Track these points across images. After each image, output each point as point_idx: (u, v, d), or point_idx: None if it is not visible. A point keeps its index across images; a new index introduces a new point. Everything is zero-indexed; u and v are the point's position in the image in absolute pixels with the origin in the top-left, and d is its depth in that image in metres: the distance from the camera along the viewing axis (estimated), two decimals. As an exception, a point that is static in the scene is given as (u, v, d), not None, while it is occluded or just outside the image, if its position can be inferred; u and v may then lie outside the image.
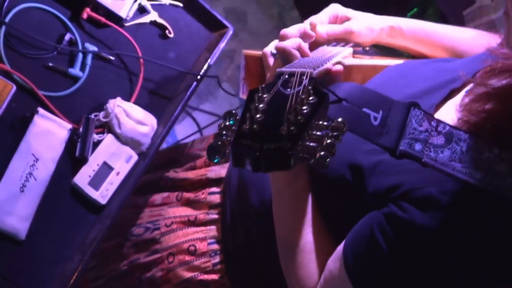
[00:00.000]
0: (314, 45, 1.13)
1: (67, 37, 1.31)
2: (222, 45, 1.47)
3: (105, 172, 1.29)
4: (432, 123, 0.81)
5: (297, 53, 0.99)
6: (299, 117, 0.66)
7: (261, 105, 0.69)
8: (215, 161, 0.67)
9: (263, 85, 0.75)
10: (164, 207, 1.30)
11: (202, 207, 1.25)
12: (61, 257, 1.24)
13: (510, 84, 0.78)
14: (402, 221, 0.82)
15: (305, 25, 1.08)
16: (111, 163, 1.29)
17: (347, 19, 1.17)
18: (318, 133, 0.66)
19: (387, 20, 1.18)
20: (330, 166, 0.92)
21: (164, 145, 2.40)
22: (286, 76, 0.81)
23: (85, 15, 1.33)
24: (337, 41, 1.17)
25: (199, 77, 1.41)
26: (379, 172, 0.88)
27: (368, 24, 1.15)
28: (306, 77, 0.80)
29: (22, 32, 1.25)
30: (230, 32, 1.50)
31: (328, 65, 0.97)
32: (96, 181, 1.27)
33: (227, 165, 1.30)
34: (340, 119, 0.68)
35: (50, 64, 1.28)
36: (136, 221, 1.33)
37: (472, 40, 1.17)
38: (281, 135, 0.63)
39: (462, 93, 0.90)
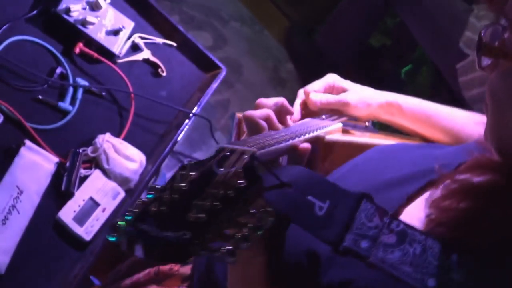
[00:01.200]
0: (308, 114, 1.11)
1: (58, 70, 1.30)
2: (215, 85, 1.47)
3: (91, 208, 1.26)
4: (385, 219, 0.73)
5: (263, 124, 0.95)
6: (215, 203, 0.59)
7: (182, 184, 0.60)
8: (111, 239, 0.57)
9: (193, 162, 0.66)
10: (148, 286, 1.25)
11: (176, 281, 1.21)
12: (41, 294, 1.19)
13: (481, 181, 0.74)
14: None
15: (282, 100, 1.03)
16: (98, 199, 1.27)
17: (344, 90, 1.14)
18: (239, 220, 0.60)
19: (385, 95, 1.14)
20: (287, 251, 0.86)
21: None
22: (227, 153, 0.73)
23: (77, 50, 1.33)
24: (332, 113, 1.13)
25: (191, 115, 1.39)
26: (337, 263, 0.82)
27: (365, 98, 1.12)
28: (247, 156, 0.73)
29: (13, 64, 1.25)
30: (223, 73, 1.50)
31: (296, 141, 0.92)
32: (81, 217, 1.24)
33: None
34: (269, 209, 0.62)
35: (40, 97, 1.27)
36: None
37: (475, 126, 1.12)
38: (186, 223, 0.56)
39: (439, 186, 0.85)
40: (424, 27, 2.48)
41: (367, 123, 1.17)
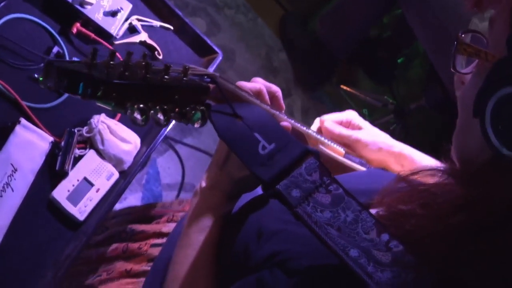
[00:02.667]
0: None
1: (55, 50, 1.30)
2: (211, 69, 1.46)
3: (85, 188, 1.26)
4: (324, 178, 0.74)
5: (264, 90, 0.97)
6: (148, 75, 0.67)
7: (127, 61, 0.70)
8: (37, 76, 0.67)
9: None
10: (114, 262, 1.25)
11: (142, 260, 1.21)
12: (34, 273, 1.19)
13: (431, 184, 0.74)
14: (267, 286, 0.76)
15: (278, 90, 1.02)
16: (92, 179, 1.27)
17: (359, 128, 1.14)
18: (168, 106, 0.66)
19: (401, 146, 1.13)
20: (241, 233, 0.87)
21: (145, 177, 2.38)
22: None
23: (74, 30, 1.32)
24: (344, 147, 1.12)
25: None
26: (276, 239, 0.81)
27: (377, 141, 1.12)
28: (209, 77, 0.81)
29: (10, 42, 1.24)
30: (220, 58, 1.50)
31: (283, 116, 0.94)
32: (75, 197, 1.24)
33: None
34: (203, 108, 0.70)
35: (36, 76, 1.27)
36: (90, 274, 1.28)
37: None
38: (107, 72, 0.65)
39: None
40: (427, 24, 2.47)
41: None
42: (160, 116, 0.66)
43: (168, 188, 2.43)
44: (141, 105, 0.63)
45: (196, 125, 0.78)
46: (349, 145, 1.12)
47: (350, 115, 1.15)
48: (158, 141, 1.36)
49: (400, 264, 0.67)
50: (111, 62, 0.69)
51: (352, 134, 1.11)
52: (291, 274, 0.74)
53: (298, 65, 2.97)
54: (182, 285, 0.90)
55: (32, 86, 1.26)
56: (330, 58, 2.95)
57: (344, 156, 1.09)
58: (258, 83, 0.99)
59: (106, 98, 0.64)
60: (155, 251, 1.18)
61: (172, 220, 1.27)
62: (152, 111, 0.66)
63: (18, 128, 1.20)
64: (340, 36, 2.86)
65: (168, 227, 1.23)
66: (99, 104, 0.67)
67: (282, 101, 1.03)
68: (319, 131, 1.13)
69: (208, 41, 1.50)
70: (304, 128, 1.02)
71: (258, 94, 0.97)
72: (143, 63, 0.70)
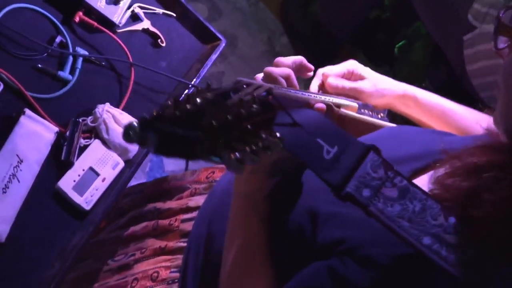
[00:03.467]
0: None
1: (58, 39, 1.29)
2: (214, 56, 1.46)
3: (91, 178, 1.26)
4: (389, 173, 0.76)
5: (283, 81, 0.97)
6: (228, 116, 0.61)
7: (198, 99, 0.63)
8: (126, 138, 0.59)
9: (212, 86, 0.69)
10: (146, 239, 1.26)
11: (175, 236, 1.21)
12: (41, 263, 1.19)
13: (485, 160, 0.75)
14: (341, 276, 0.78)
15: (301, 58, 1.05)
16: (97, 169, 1.27)
17: (362, 78, 1.15)
18: (250, 139, 0.62)
19: (404, 87, 1.16)
20: (292, 211, 0.88)
21: (141, 180, 2.37)
22: (244, 86, 0.76)
23: (77, 19, 1.31)
24: (347, 97, 1.14)
25: (190, 86, 1.39)
26: (334, 223, 0.83)
27: (381, 88, 1.14)
28: (263, 90, 0.76)
29: (13, 32, 1.24)
30: (223, 45, 1.49)
31: (310, 98, 0.94)
32: (81, 186, 1.24)
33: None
34: (278, 135, 0.64)
35: (40, 66, 1.26)
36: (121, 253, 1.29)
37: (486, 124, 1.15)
38: (198, 126, 0.59)
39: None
40: (431, 1, 2.45)
41: (382, 114, 1.17)
42: (252, 157, 0.62)
43: (172, 175, 2.43)
44: (237, 154, 0.61)
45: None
46: (354, 96, 1.13)
47: (351, 65, 1.16)
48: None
49: (471, 244, 0.70)
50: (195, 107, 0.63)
51: (357, 87, 1.12)
52: (364, 264, 0.76)
53: (300, 49, 2.96)
54: (241, 269, 0.92)
55: (36, 76, 1.26)
56: (331, 41, 2.93)
57: (358, 110, 1.11)
58: (285, 67, 1.00)
59: (207, 153, 0.62)
60: (187, 226, 1.19)
61: (195, 193, 1.28)
62: (245, 156, 0.62)
63: (23, 119, 1.20)
64: (341, 18, 2.85)
65: (195, 201, 1.24)
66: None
67: (308, 64, 1.06)
68: (322, 86, 1.14)
69: (211, 28, 1.49)
70: (328, 99, 1.03)
71: (287, 78, 0.98)
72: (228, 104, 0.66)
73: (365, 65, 1.18)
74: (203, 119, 0.59)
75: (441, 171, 0.80)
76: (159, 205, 1.31)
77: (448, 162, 0.81)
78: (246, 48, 2.84)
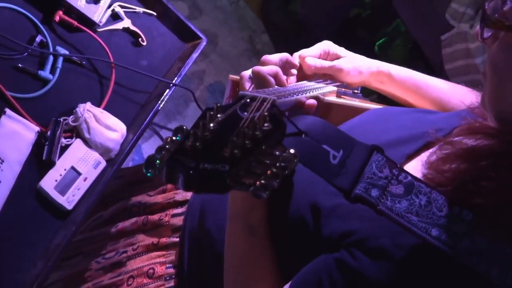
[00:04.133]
0: (300, 79, 1.14)
1: (38, 39, 1.29)
2: (195, 55, 1.46)
3: (72, 177, 1.26)
4: (394, 171, 0.78)
5: (272, 80, 0.99)
6: (246, 142, 0.62)
7: (211, 124, 0.65)
8: (149, 174, 0.61)
9: (219, 105, 0.70)
10: (136, 235, 1.26)
11: (166, 231, 1.22)
12: (24, 263, 1.19)
13: (479, 145, 0.77)
14: (351, 269, 0.79)
15: (287, 55, 1.08)
16: (79, 168, 1.26)
17: (338, 57, 1.17)
18: (267, 161, 0.62)
19: (378, 64, 1.18)
20: (291, 205, 0.90)
21: (130, 164, 2.37)
22: (248, 100, 0.78)
23: (57, 18, 1.31)
24: (325, 78, 1.17)
25: (172, 85, 1.39)
26: (337, 215, 0.85)
27: (357, 65, 1.16)
28: (268, 103, 0.77)
29: (-8, 31, 1.23)
30: (204, 43, 1.49)
31: (301, 97, 0.95)
32: (63, 186, 1.24)
33: None
34: (292, 151, 0.64)
35: (20, 65, 1.26)
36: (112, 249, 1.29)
37: (461, 96, 1.16)
38: (222, 157, 0.59)
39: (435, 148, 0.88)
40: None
41: (356, 91, 1.20)
42: (274, 181, 0.61)
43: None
44: (262, 181, 0.61)
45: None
46: (331, 75, 1.16)
47: (326, 45, 1.18)
48: (145, 128, 1.36)
49: (475, 230, 0.72)
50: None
51: (334, 65, 1.14)
52: (374, 255, 0.78)
53: (281, 47, 2.97)
54: (245, 266, 0.94)
55: (16, 76, 1.25)
56: (312, 39, 2.94)
57: (337, 93, 1.14)
58: (270, 64, 1.02)
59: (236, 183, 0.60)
60: (178, 221, 1.20)
61: None
62: (268, 181, 0.61)
63: (3, 119, 1.19)
64: (321, 15, 2.87)
65: (182, 195, 1.25)
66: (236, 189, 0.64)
67: (294, 60, 1.09)
68: (299, 70, 1.15)
69: (192, 26, 1.50)
70: (313, 93, 1.04)
71: (275, 76, 1.00)
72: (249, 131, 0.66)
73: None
74: (224, 149, 0.60)
75: (433, 156, 0.82)
76: (144, 198, 1.31)
77: (439, 145, 0.84)
78: (227, 46, 2.85)
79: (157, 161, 0.60)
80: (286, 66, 1.07)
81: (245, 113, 0.72)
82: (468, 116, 0.85)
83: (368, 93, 1.25)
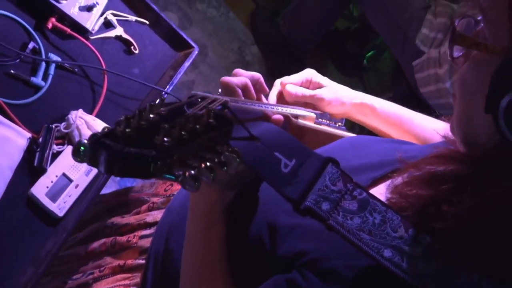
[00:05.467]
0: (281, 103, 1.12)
1: (31, 45, 1.29)
2: (187, 63, 1.47)
3: (64, 184, 1.25)
4: (348, 185, 0.75)
5: (239, 92, 0.97)
6: (183, 133, 0.60)
7: (151, 115, 0.62)
8: (76, 159, 0.56)
9: (164, 98, 0.68)
10: (104, 257, 1.25)
11: (133, 253, 1.21)
12: (14, 270, 1.18)
13: (444, 170, 0.74)
14: None
15: (259, 75, 1.05)
16: (71, 175, 1.26)
17: (320, 86, 1.15)
18: (205, 155, 0.60)
19: (361, 96, 1.16)
20: (251, 224, 0.87)
21: (113, 188, 2.36)
22: (199, 99, 0.76)
23: (50, 25, 1.31)
24: (307, 107, 1.15)
25: (164, 93, 1.40)
26: (294, 235, 0.82)
27: (339, 95, 1.14)
28: (218, 103, 0.76)
29: (-15, 37, 1.23)
30: (196, 52, 1.50)
31: (267, 110, 0.94)
32: (54, 193, 1.24)
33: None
34: (236, 149, 0.62)
35: (12, 72, 1.26)
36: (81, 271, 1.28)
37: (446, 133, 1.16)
38: (151, 143, 0.56)
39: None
40: (383, 21, 2.51)
41: (339, 124, 1.17)
42: (208, 174, 0.60)
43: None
44: (192, 172, 0.60)
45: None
46: (313, 104, 1.14)
47: (309, 73, 1.16)
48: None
49: (432, 254, 0.69)
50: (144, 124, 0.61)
51: (315, 94, 1.13)
52: (325, 276, 0.75)
53: (270, 59, 2.99)
54: (199, 284, 0.91)
55: (8, 82, 1.25)
56: (299, 51, 2.97)
57: (316, 120, 1.11)
58: (243, 76, 1.00)
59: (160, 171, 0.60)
60: (146, 243, 1.18)
61: (153, 208, 1.26)
62: (200, 173, 0.59)
63: (-5, 125, 1.19)
64: (301, 31, 2.89)
65: (153, 217, 1.23)
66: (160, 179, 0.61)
67: (265, 85, 1.06)
68: (280, 94, 1.14)
69: (184, 35, 1.51)
70: (285, 110, 1.03)
71: (244, 88, 0.98)
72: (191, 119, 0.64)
73: (335, 75, 1.19)
74: (156, 137, 0.57)
75: (399, 180, 0.79)
76: (117, 220, 1.29)
77: (406, 170, 0.81)
78: (217, 57, 2.85)
79: (82, 148, 0.56)
80: (256, 87, 1.04)
81: (191, 110, 0.69)
82: (442, 145, 0.84)
83: (351, 126, 1.23)
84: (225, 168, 0.61)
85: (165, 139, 0.57)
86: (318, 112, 1.13)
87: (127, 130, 0.57)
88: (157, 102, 0.66)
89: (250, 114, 0.92)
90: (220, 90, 1.01)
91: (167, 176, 0.57)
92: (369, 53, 3.22)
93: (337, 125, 1.15)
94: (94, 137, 0.55)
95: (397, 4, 2.42)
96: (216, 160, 0.60)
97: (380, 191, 0.83)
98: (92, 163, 0.55)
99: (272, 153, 0.78)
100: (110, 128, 0.57)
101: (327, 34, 3.02)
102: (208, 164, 0.59)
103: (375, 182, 0.87)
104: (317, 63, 3.11)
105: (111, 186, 2.30)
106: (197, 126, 0.62)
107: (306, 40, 2.93)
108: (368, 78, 3.24)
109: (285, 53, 2.95)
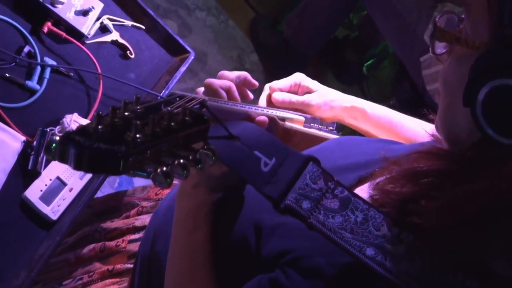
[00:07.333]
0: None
1: (26, 49, 1.29)
2: (183, 68, 1.47)
3: (58, 188, 1.25)
4: (329, 183, 0.75)
5: (223, 94, 0.97)
6: (157, 129, 0.59)
7: (126, 113, 0.61)
8: (48, 156, 0.57)
9: (139, 96, 0.67)
10: (93, 262, 1.25)
11: (122, 258, 1.21)
12: (7, 273, 1.18)
13: (426, 166, 0.74)
14: None
15: (246, 74, 1.05)
16: (65, 178, 1.26)
17: (309, 90, 1.14)
18: (179, 153, 0.60)
19: (352, 100, 1.15)
20: (236, 225, 0.86)
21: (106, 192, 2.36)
22: (177, 99, 0.76)
23: (46, 29, 1.31)
24: (297, 111, 1.13)
25: (159, 97, 1.40)
26: (278, 234, 0.81)
27: (328, 99, 1.13)
28: (196, 102, 0.75)
29: (-20, 41, 1.23)
30: (192, 57, 1.50)
31: (251, 111, 0.94)
32: (48, 196, 1.23)
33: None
34: (212, 147, 0.63)
35: (7, 75, 1.26)
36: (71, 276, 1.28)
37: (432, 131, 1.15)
38: (122, 140, 0.56)
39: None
40: (391, 21, 2.52)
41: (331, 128, 1.15)
42: (180, 171, 0.60)
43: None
44: (164, 168, 0.59)
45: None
46: (302, 110, 1.13)
47: (298, 77, 1.15)
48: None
49: (415, 253, 0.68)
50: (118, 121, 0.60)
51: (304, 100, 1.11)
52: (307, 274, 0.74)
53: (269, 66, 2.99)
54: (183, 285, 0.90)
55: (3, 86, 1.26)
56: (300, 59, 2.98)
57: (305, 123, 1.11)
58: (227, 79, 1.00)
59: (129, 168, 0.56)
60: (134, 247, 1.18)
61: (142, 212, 1.26)
62: (173, 170, 0.60)
63: (-11, 128, 1.19)
64: (305, 36, 2.90)
65: (142, 221, 1.23)
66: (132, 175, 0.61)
67: (253, 80, 1.05)
68: (269, 99, 1.13)
69: (180, 40, 1.51)
70: (270, 112, 1.03)
71: (227, 91, 0.98)
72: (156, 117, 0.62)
73: (334, 84, 1.19)
74: (127, 133, 0.57)
75: (382, 177, 0.79)
76: (107, 224, 1.29)
77: (390, 167, 0.80)
78: (216, 65, 2.86)
79: (53, 144, 0.55)
80: (244, 85, 1.04)
81: (167, 108, 0.69)
82: (429, 144, 0.83)
83: (343, 129, 1.23)
84: (199, 166, 0.61)
85: (137, 135, 0.56)
86: (309, 116, 1.13)
87: (99, 127, 0.56)
88: (134, 100, 0.65)
89: (233, 115, 0.92)
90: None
91: (138, 172, 0.57)
92: (369, 62, 3.22)
93: (328, 129, 1.15)
94: (66, 134, 0.55)
95: (408, 4, 2.43)
96: (190, 157, 0.60)
97: (364, 189, 0.83)
98: (62, 159, 0.55)
99: (251, 152, 0.79)
100: (83, 125, 0.57)
101: (326, 43, 3.02)
102: (181, 161, 0.59)
103: (361, 181, 0.86)
104: (317, 71, 3.11)
105: (108, 191, 2.30)
106: (172, 124, 0.62)
107: (309, 44, 2.93)
108: (367, 86, 3.24)
109: (285, 60, 2.95)
